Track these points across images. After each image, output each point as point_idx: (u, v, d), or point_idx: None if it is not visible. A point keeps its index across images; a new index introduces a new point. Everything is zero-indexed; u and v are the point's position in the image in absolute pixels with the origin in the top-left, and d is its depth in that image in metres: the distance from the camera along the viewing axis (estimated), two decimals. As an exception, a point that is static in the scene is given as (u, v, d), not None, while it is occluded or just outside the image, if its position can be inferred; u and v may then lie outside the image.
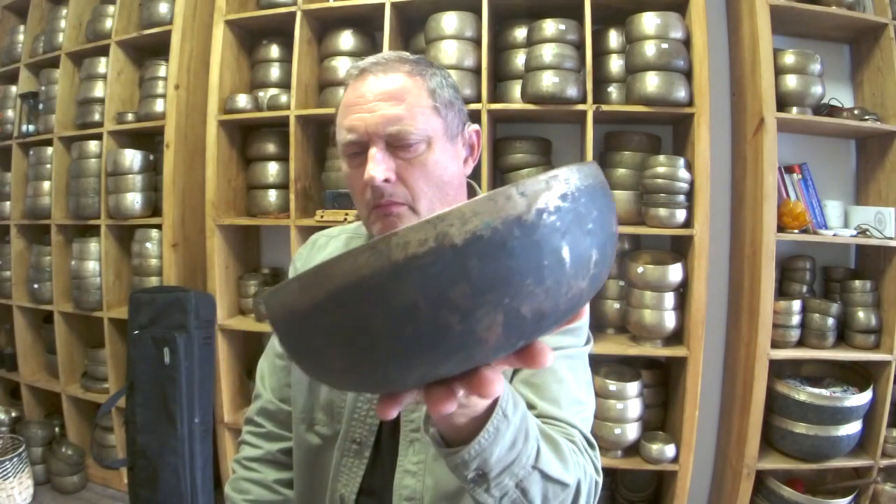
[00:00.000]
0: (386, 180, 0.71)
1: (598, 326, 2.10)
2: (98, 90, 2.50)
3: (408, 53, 0.79)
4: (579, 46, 1.94)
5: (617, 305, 2.06)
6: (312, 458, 0.87)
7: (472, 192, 0.86)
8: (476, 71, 1.99)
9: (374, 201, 0.73)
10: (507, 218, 0.29)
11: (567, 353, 0.78)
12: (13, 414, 2.77)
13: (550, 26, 1.90)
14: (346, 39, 2.21)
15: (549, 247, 0.31)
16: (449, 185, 0.77)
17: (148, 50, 2.52)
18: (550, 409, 0.72)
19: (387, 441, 0.82)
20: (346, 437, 0.83)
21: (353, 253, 0.30)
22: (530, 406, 0.72)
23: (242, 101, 2.20)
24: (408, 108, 0.72)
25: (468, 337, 0.31)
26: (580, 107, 1.89)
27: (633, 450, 1.99)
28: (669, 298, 1.91)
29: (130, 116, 2.42)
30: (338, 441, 0.84)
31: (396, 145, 0.72)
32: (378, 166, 0.70)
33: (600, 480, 0.71)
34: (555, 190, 0.31)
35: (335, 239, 0.95)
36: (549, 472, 0.58)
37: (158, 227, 2.35)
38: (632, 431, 1.92)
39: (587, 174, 0.34)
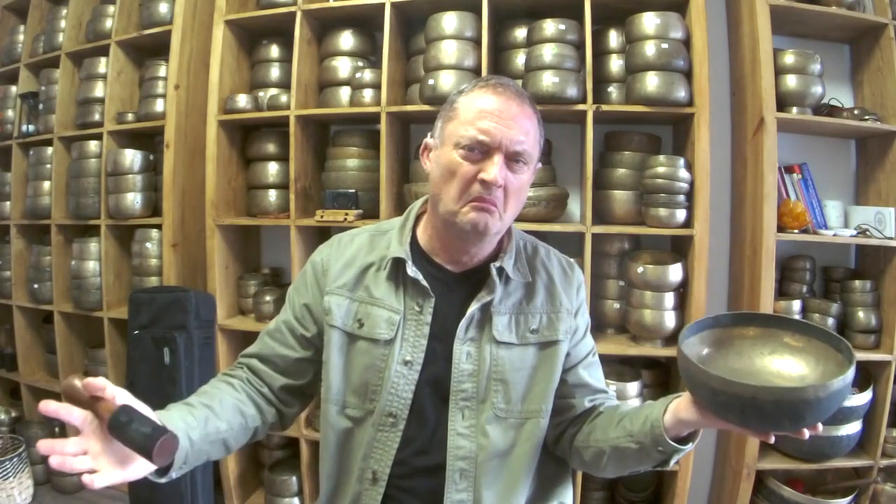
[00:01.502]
0: (499, 185, 0.87)
1: (598, 326, 2.10)
2: (98, 90, 2.50)
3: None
4: (579, 46, 1.94)
5: (617, 305, 2.06)
6: (342, 441, 0.97)
7: None
8: (476, 71, 1.98)
9: (478, 194, 0.88)
10: (830, 392, 0.72)
11: (596, 349, 1.08)
12: (13, 414, 2.77)
13: (550, 26, 1.90)
14: (346, 39, 2.21)
15: (840, 400, 0.74)
16: (521, 203, 0.95)
17: (148, 50, 2.52)
18: (603, 386, 1.05)
19: (431, 412, 0.94)
20: (383, 411, 0.93)
21: (766, 388, 0.74)
22: (586, 385, 1.03)
23: (242, 101, 2.20)
24: (529, 136, 0.90)
25: (800, 424, 0.75)
26: (580, 107, 1.89)
27: (633, 450, 1.98)
28: (669, 298, 1.91)
29: (130, 116, 2.42)
30: (372, 417, 0.94)
31: (513, 160, 0.89)
32: (501, 171, 0.87)
33: None
34: (847, 382, 0.73)
35: (359, 236, 1.05)
36: None
37: (158, 227, 2.35)
38: (632, 431, 1.92)
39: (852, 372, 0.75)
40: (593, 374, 1.04)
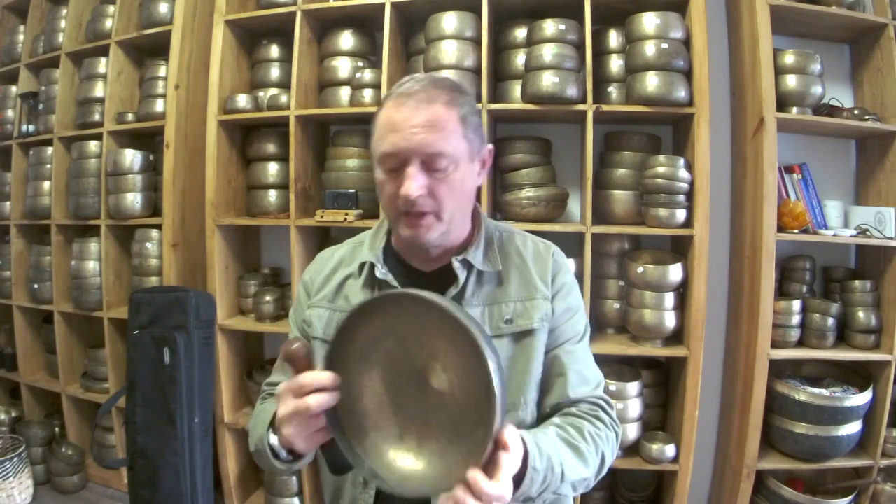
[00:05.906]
0: (417, 197, 0.84)
1: (598, 326, 2.10)
2: (98, 90, 2.50)
3: (447, 78, 0.93)
4: (579, 46, 1.94)
5: (617, 305, 2.06)
6: None
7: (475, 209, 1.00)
8: (476, 71, 1.98)
9: (405, 209, 0.85)
10: None
11: (586, 339, 0.99)
12: (13, 414, 2.77)
13: (550, 26, 1.90)
14: (346, 39, 2.21)
15: None
16: (467, 196, 0.92)
17: (148, 50, 2.52)
18: (585, 389, 0.95)
19: None
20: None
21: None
22: (564, 374, 0.94)
23: (242, 101, 2.20)
24: (443, 136, 0.84)
25: None
26: (580, 107, 1.89)
27: (633, 450, 1.99)
28: (669, 298, 1.91)
29: (130, 116, 2.42)
30: None
31: (430, 166, 0.84)
32: (414, 183, 0.83)
33: (620, 431, 0.96)
34: None
35: (340, 250, 1.06)
36: (574, 478, 0.83)
37: (158, 227, 2.35)
38: (632, 431, 1.92)
39: None
40: (574, 363, 0.96)
